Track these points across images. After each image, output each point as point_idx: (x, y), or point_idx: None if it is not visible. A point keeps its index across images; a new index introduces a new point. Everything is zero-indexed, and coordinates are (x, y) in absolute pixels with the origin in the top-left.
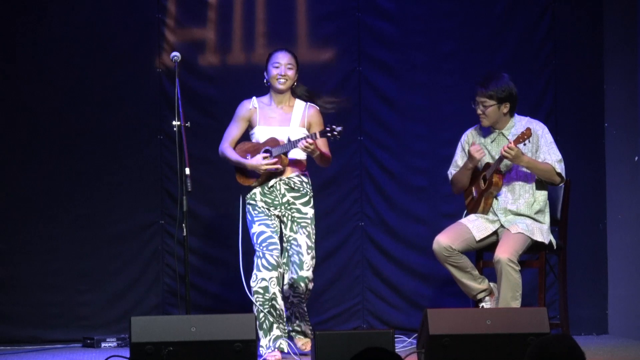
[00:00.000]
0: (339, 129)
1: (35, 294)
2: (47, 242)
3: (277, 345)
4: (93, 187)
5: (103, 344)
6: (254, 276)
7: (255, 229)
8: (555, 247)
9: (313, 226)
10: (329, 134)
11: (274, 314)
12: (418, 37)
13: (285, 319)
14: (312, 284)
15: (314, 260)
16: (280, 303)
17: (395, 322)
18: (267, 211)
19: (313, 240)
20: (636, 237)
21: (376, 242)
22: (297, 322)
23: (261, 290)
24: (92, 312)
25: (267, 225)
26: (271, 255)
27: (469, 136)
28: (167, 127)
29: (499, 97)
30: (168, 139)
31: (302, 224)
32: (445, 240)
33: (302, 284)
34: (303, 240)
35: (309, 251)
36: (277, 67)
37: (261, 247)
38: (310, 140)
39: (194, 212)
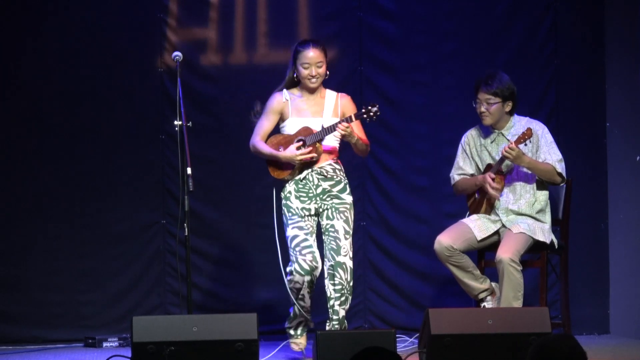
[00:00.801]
0: (374, 109)
1: (37, 294)
2: (48, 241)
3: (299, 333)
4: (95, 186)
5: (105, 344)
6: (290, 277)
7: (289, 232)
8: (556, 247)
9: (352, 213)
10: (364, 115)
11: (302, 309)
12: (419, 37)
13: (309, 312)
14: (352, 279)
15: (351, 249)
16: (307, 301)
17: (396, 321)
18: (301, 212)
19: (351, 227)
20: (638, 236)
21: (378, 241)
22: None
23: (295, 290)
24: (94, 312)
25: (301, 228)
26: (304, 260)
27: (469, 137)
28: (169, 126)
29: (504, 95)
30: (170, 138)
31: (340, 209)
32: (446, 240)
33: (341, 271)
34: (340, 226)
35: (347, 236)
36: (306, 68)
37: (295, 252)
38: (345, 124)
39: (196, 212)
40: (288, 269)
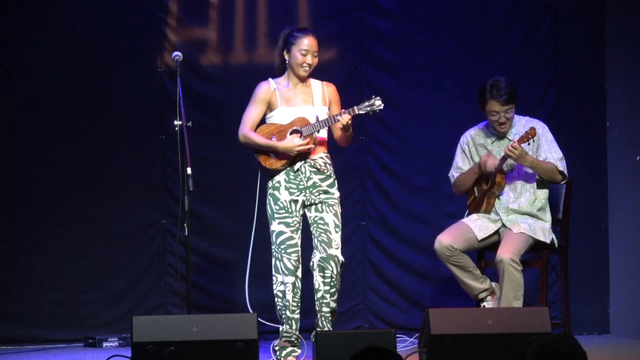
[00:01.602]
0: (378, 102)
1: (37, 294)
2: (48, 241)
3: (283, 356)
4: (95, 186)
5: (105, 344)
6: (274, 278)
7: (274, 227)
8: (557, 247)
9: (340, 207)
10: (368, 109)
11: (286, 324)
12: (419, 37)
13: (296, 329)
14: (342, 269)
15: (340, 243)
16: (292, 312)
17: (396, 321)
18: (288, 206)
19: (340, 222)
20: (638, 236)
21: (378, 241)
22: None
23: (280, 294)
24: (94, 312)
25: (287, 225)
26: (289, 260)
27: (469, 138)
28: (169, 126)
29: (515, 99)
30: (170, 138)
31: (329, 203)
32: (447, 239)
33: (332, 264)
34: (330, 219)
35: (337, 229)
36: (304, 55)
37: (280, 250)
38: (348, 116)
39: (196, 212)
40: (274, 274)
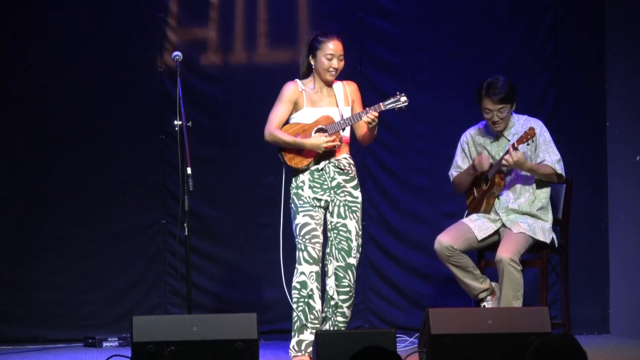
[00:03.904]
0: (404, 98)
1: (38, 294)
2: (48, 241)
3: (306, 350)
4: (95, 186)
5: (105, 344)
6: (295, 270)
7: (299, 220)
8: (557, 247)
9: (361, 212)
10: (394, 105)
11: (308, 314)
12: (419, 36)
13: (321, 320)
14: (355, 276)
15: (357, 250)
16: (317, 302)
17: (396, 321)
18: (312, 202)
19: (361, 227)
20: (638, 236)
21: (378, 241)
22: None
23: (298, 286)
24: (94, 312)
25: (312, 217)
26: (313, 249)
27: (469, 137)
28: (169, 126)
29: (512, 100)
30: (170, 138)
31: (353, 209)
32: (446, 239)
33: (350, 273)
34: (353, 226)
35: (357, 238)
36: (330, 59)
37: (304, 240)
38: (375, 113)
39: (196, 212)
40: (296, 265)
